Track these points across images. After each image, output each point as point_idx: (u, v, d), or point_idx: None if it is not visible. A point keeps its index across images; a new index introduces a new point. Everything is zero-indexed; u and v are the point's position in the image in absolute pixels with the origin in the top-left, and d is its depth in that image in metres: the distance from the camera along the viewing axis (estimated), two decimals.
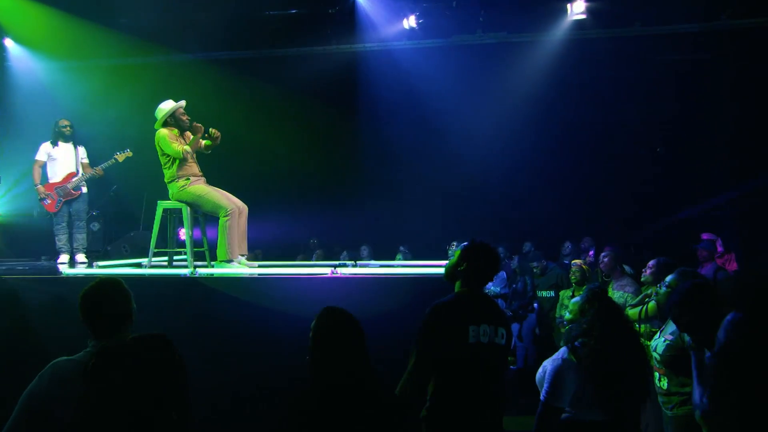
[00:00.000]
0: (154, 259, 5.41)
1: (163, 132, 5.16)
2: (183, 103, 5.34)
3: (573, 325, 3.03)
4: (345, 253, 8.71)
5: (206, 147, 5.42)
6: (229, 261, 5.01)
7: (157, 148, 5.19)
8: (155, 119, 5.28)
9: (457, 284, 2.84)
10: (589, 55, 8.53)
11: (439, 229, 9.03)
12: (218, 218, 5.08)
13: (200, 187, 5.19)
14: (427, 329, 2.62)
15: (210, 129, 5.21)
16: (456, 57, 8.82)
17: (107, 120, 8.82)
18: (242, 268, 5.01)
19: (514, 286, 7.32)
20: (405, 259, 8.25)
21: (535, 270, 7.22)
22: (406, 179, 9.98)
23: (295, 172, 10.30)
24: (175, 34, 8.81)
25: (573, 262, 6.16)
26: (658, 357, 3.40)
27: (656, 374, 3.44)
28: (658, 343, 3.43)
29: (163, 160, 5.21)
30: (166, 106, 5.27)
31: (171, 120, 5.26)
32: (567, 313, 3.20)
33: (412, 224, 9.39)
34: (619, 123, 9.41)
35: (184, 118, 5.29)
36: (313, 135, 9.96)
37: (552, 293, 6.78)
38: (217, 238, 5.05)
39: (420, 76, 8.99)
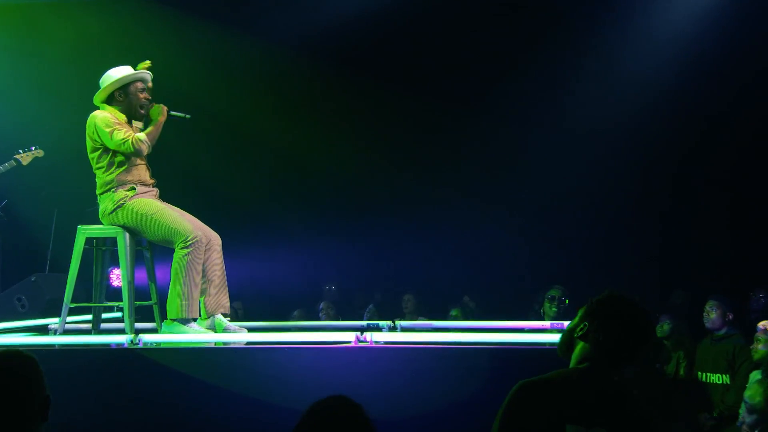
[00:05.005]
0: (70, 319, 5.41)
1: (100, 115, 5.16)
2: (147, 75, 5.37)
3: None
4: (371, 306, 8.72)
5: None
6: (185, 321, 5.07)
7: (89, 140, 5.21)
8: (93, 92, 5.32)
9: (573, 357, 2.81)
10: None
11: (522, 270, 9.10)
12: (173, 251, 5.13)
13: (149, 203, 5.22)
14: (506, 418, 2.61)
15: (172, 112, 5.35)
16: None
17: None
18: (204, 333, 5.10)
19: (657, 365, 7.26)
20: (465, 316, 8.30)
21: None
22: (467, 192, 9.94)
23: (291, 179, 10.40)
24: None
25: (759, 325, 6.04)
26: None
27: None
28: None
29: (95, 157, 5.22)
30: (117, 73, 5.27)
31: (121, 96, 5.26)
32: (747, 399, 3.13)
33: (481, 264, 9.42)
34: None
35: (142, 96, 5.32)
36: (320, 118, 10.05)
37: (727, 378, 6.60)
38: (170, 284, 5.11)
39: (495, 26, 9.03)
